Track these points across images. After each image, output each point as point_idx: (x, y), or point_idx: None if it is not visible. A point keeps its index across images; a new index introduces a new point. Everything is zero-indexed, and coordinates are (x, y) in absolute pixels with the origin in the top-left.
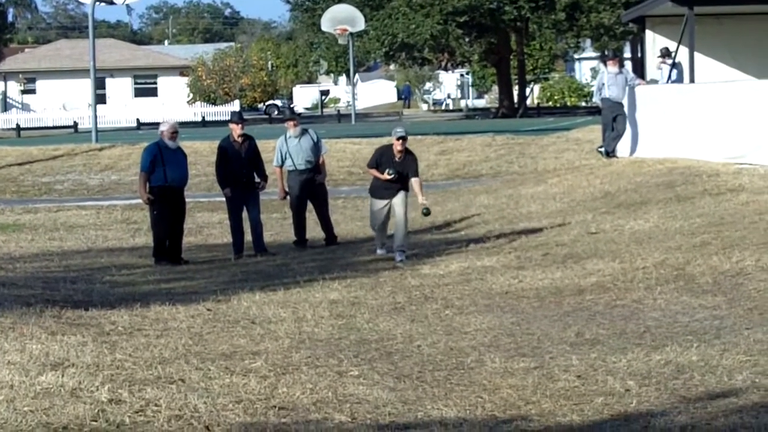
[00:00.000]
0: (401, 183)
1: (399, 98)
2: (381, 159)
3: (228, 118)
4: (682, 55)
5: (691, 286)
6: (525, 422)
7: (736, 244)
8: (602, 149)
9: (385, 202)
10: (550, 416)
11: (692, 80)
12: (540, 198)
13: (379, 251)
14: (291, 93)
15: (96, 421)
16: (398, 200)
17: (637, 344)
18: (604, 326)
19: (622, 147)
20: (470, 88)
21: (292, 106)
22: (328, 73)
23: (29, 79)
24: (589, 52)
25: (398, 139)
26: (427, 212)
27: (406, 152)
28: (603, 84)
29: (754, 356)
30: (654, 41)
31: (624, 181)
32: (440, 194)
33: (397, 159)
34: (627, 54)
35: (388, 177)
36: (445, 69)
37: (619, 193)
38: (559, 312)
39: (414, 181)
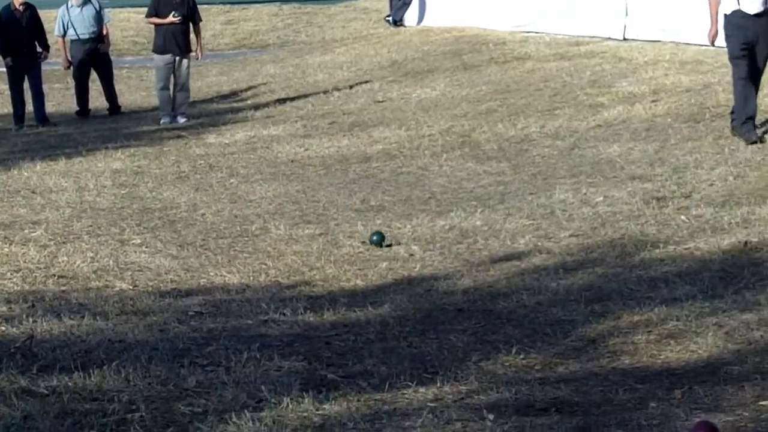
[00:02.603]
0: (186, 30)
1: None
2: (158, 6)
3: None
4: None
5: (477, 153)
6: (309, 287)
7: (521, 111)
8: (390, 18)
9: (170, 57)
10: (334, 281)
11: None
12: (327, 67)
13: (163, 120)
14: None
15: None
16: (182, 62)
17: (422, 210)
18: (390, 193)
19: (410, 16)
20: None
21: None
22: None
23: None
24: None
25: None
26: (378, 240)
27: None
28: None
29: (537, 220)
30: None
31: (411, 50)
32: (226, 64)
33: (176, 0)
34: None
35: (174, 19)
36: None
37: (407, 61)
38: (345, 179)
39: (195, 30)
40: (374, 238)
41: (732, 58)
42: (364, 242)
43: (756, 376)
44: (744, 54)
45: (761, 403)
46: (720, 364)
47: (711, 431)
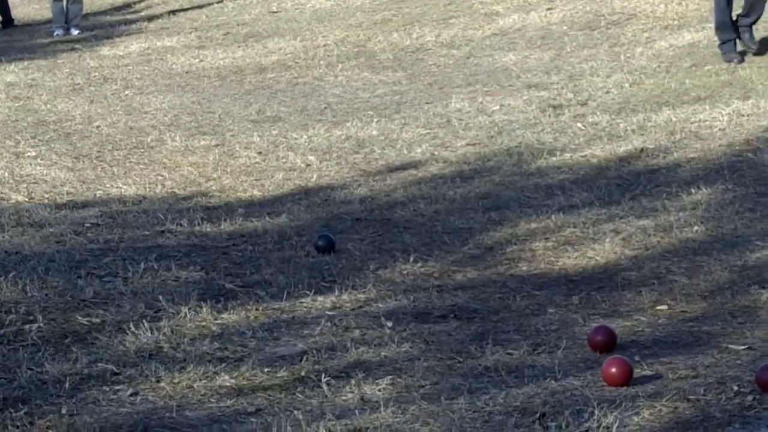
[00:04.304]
0: None
1: None
2: None
3: None
4: None
5: (372, 63)
6: (205, 198)
7: (416, 21)
8: None
9: None
10: (230, 192)
11: None
12: None
13: (56, 33)
14: None
15: None
16: None
17: (318, 120)
18: (286, 104)
19: None
20: None
21: None
22: None
23: None
24: None
25: None
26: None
27: None
28: None
29: (433, 129)
30: None
31: None
32: None
33: None
34: None
35: None
36: None
37: None
38: (241, 91)
39: None
40: (320, 243)
41: None
42: (260, 152)
43: (653, 281)
44: None
45: (658, 307)
46: (617, 269)
47: (609, 336)
